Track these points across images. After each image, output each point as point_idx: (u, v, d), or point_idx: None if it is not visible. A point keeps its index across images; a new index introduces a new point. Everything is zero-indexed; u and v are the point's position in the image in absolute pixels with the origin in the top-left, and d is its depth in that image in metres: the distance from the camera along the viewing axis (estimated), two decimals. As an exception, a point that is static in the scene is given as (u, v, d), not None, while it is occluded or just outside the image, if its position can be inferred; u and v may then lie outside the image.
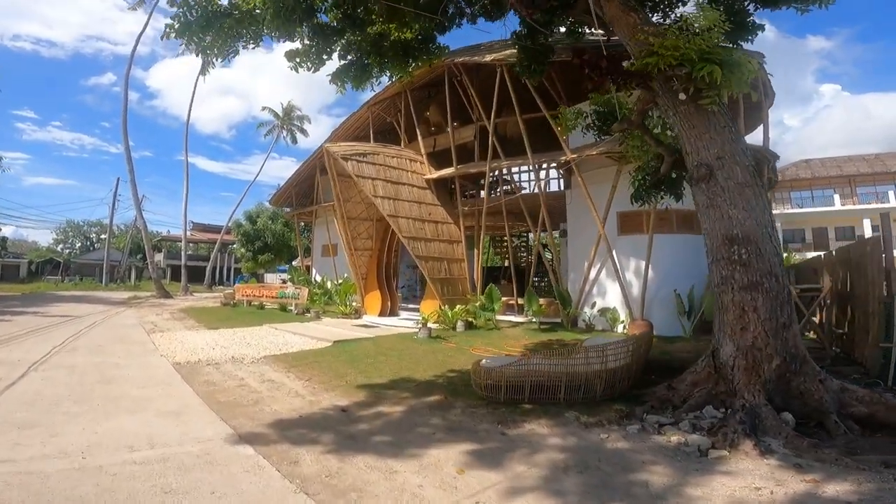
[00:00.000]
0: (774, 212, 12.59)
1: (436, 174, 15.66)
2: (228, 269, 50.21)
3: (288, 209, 26.21)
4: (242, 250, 30.72)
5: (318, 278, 21.89)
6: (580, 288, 13.48)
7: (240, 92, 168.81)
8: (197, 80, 34.99)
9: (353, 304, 17.03)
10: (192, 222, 36.05)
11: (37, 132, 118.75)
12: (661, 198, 8.47)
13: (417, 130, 16.56)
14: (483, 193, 18.67)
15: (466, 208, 15.42)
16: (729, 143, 6.05)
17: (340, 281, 18.78)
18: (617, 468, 4.31)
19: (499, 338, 12.11)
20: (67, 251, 61.75)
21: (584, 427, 5.49)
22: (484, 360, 7.05)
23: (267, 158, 40.58)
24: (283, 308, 17.97)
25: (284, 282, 27.57)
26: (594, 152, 12.13)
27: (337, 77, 7.41)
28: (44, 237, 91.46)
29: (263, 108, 39.60)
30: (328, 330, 13.27)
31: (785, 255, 14.46)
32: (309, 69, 7.20)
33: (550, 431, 5.35)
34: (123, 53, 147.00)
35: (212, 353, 9.74)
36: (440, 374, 8.33)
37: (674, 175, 8.05)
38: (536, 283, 19.62)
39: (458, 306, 13.24)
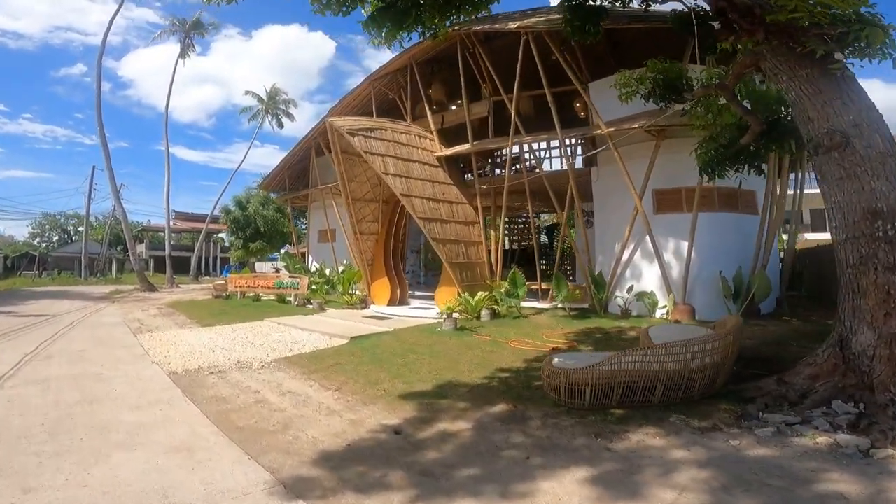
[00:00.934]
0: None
1: (450, 150, 14.24)
2: (214, 259, 48.14)
3: (274, 194, 24.57)
4: (232, 238, 28.49)
5: (316, 266, 20.39)
6: (611, 271, 12.33)
7: (218, 80, 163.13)
8: (176, 63, 32.49)
9: (358, 292, 15.66)
10: (175, 211, 33.87)
11: (7, 125, 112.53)
12: (737, 170, 7.51)
13: (426, 106, 15.09)
14: (497, 171, 17.51)
15: (485, 186, 14.03)
16: (866, 109, 5.24)
17: (342, 268, 17.33)
18: (787, 481, 3.54)
19: (531, 327, 10.92)
20: (44, 245, 58.57)
21: (699, 433, 4.58)
22: (556, 360, 5.88)
23: (251, 145, 38.76)
24: (282, 299, 16.48)
25: (278, 271, 25.98)
26: (635, 126, 10.92)
27: (373, 22, 6.05)
28: (21, 231, 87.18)
29: (247, 93, 37.07)
30: (338, 323, 11.91)
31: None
32: (336, 13, 5.89)
33: (666, 442, 4.38)
34: (94, 44, 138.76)
35: (213, 358, 8.33)
36: (489, 374, 7.10)
37: (752, 147, 7.22)
38: (543, 266, 18.58)
39: (479, 293, 11.97)
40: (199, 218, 46.08)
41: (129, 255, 29.61)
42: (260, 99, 36.53)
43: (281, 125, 37.10)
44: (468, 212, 13.92)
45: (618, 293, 12.30)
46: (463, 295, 12.04)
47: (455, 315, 11.05)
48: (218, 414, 5.34)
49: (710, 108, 7.36)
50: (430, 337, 9.95)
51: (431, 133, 14.92)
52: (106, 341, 10.01)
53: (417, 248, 20.81)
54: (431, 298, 16.33)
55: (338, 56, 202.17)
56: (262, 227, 27.24)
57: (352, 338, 9.84)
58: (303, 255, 23.02)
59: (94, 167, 38.09)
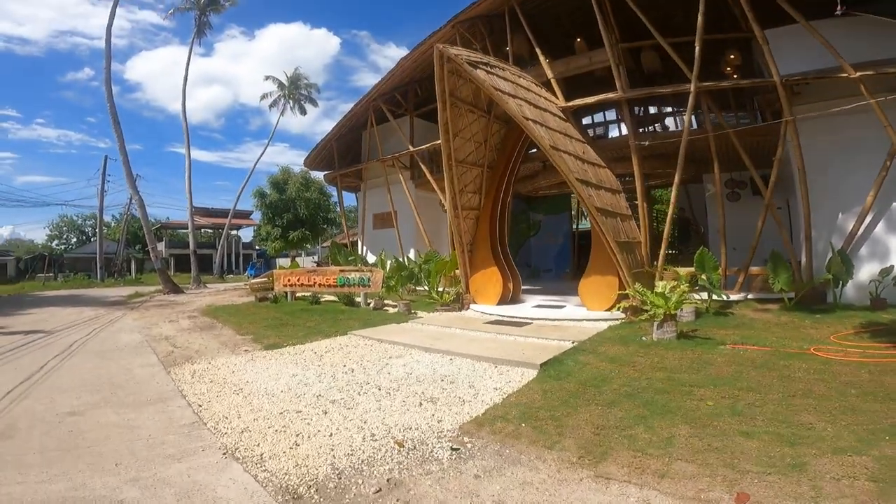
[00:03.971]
0: None
1: (592, 99, 9.61)
2: (236, 256, 43.26)
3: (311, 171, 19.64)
4: (268, 227, 23.10)
5: (372, 257, 15.83)
6: (841, 248, 8.00)
7: (224, 80, 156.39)
8: (192, 45, 27.50)
9: (448, 289, 11.20)
10: (194, 207, 28.82)
11: (21, 130, 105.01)
12: None
13: (537, 49, 10.49)
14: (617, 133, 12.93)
15: (647, 143, 9.40)
16: None
17: (423, 256, 12.78)
18: None
19: (773, 327, 6.57)
20: (62, 247, 53.16)
21: None
22: None
23: (271, 137, 33.38)
24: (349, 300, 11.92)
25: (318, 265, 21.41)
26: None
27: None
28: (39, 235, 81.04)
29: (267, 78, 32.32)
30: (464, 336, 7.49)
31: None
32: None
33: None
34: (99, 47, 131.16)
35: (335, 431, 3.93)
36: None
37: None
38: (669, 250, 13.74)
39: (667, 285, 7.50)
40: (219, 213, 41.23)
41: (148, 253, 24.80)
42: (281, 84, 31.74)
43: (304, 111, 32.29)
44: (611, 177, 9.45)
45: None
46: (635, 287, 7.60)
47: (619, 313, 6.64)
48: None
49: None
50: (662, 353, 5.53)
51: (552, 80, 10.37)
52: (121, 388, 5.45)
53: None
54: (534, 292, 11.95)
55: (342, 52, 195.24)
56: (304, 213, 21.95)
57: (541, 365, 5.39)
58: (353, 244, 18.37)
59: (105, 157, 33.08)
